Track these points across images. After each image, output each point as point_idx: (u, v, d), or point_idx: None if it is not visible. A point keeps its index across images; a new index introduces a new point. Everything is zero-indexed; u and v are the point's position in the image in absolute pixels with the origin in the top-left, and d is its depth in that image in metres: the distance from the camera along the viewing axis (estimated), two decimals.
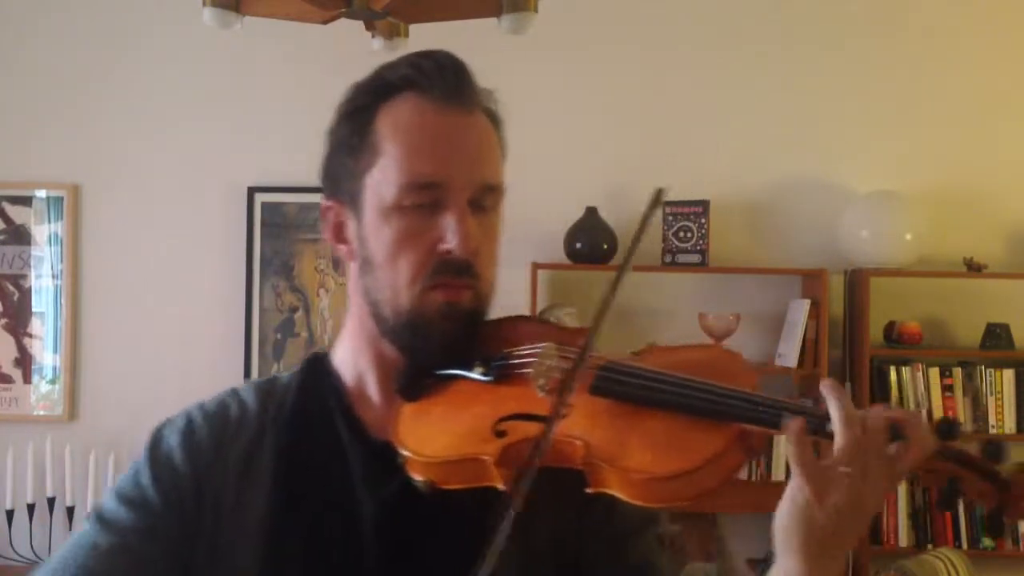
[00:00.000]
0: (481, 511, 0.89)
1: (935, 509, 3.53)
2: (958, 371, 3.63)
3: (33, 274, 3.96)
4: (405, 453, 0.94)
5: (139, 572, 0.95)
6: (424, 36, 2.69)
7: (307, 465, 1.01)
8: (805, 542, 0.83)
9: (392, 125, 0.99)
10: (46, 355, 3.96)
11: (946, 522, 3.60)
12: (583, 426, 0.89)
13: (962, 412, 3.62)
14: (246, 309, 3.89)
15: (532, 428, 0.89)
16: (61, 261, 3.94)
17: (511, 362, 0.99)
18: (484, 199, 1.00)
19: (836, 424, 0.82)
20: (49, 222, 3.95)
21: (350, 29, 2.49)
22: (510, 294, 4.28)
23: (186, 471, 1.00)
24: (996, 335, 3.62)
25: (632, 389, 0.92)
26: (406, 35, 2.56)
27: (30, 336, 3.96)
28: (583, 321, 3.63)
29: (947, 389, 3.62)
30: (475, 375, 0.99)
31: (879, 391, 3.61)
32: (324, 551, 0.97)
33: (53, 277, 3.95)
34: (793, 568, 0.84)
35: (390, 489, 0.97)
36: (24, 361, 3.96)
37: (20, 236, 3.96)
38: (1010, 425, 3.61)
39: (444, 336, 0.98)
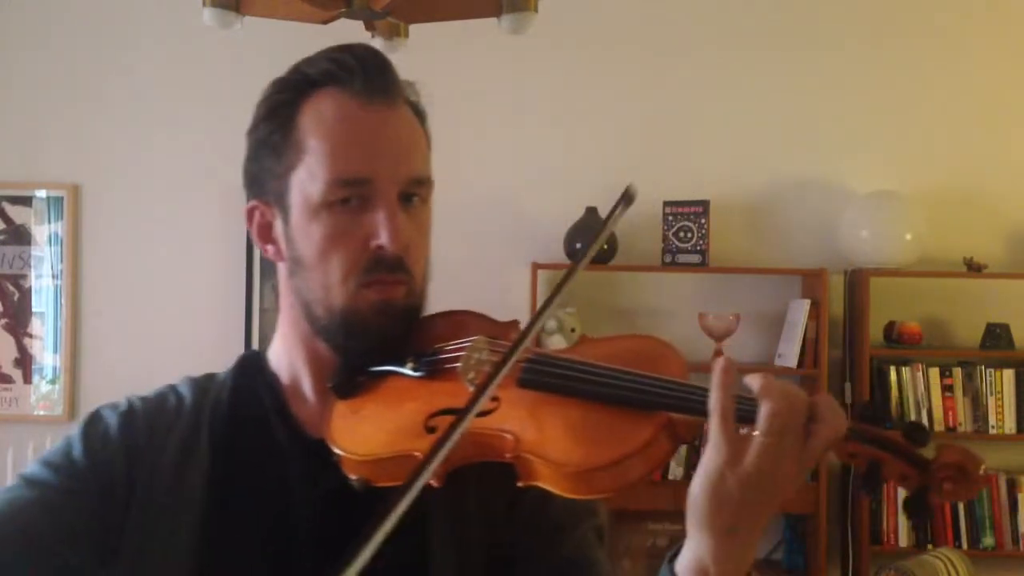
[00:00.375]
0: (416, 509, 0.89)
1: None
2: (958, 371, 3.63)
3: (33, 274, 3.96)
4: (338, 452, 0.93)
5: (56, 529, 0.93)
6: (424, 36, 2.70)
7: (242, 463, 1.00)
8: (715, 513, 0.81)
9: (315, 121, 0.97)
10: (46, 355, 3.96)
11: (946, 522, 3.60)
12: (512, 419, 0.89)
13: (962, 412, 3.62)
14: (246, 309, 3.89)
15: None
16: (61, 261, 3.94)
17: (442, 357, 0.99)
18: (413, 193, 0.99)
19: (760, 392, 0.81)
20: (49, 222, 3.95)
21: (350, 29, 2.49)
22: (510, 294, 4.30)
23: (119, 444, 0.99)
24: (996, 335, 3.62)
25: (559, 380, 0.91)
26: (406, 35, 2.56)
27: (30, 336, 3.97)
28: (584, 320, 3.63)
29: (947, 389, 3.62)
30: (407, 371, 0.99)
31: (879, 391, 3.62)
32: (258, 549, 0.97)
33: (53, 277, 3.95)
34: (703, 544, 0.82)
35: (326, 487, 0.96)
36: (24, 361, 3.96)
37: (20, 236, 3.96)
38: (1010, 425, 3.61)
39: (379, 334, 0.98)
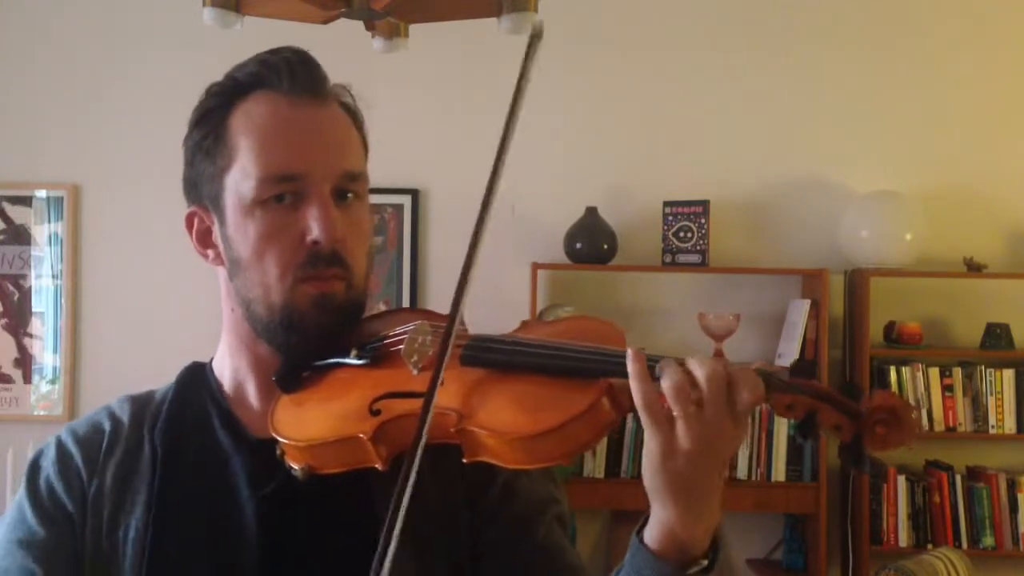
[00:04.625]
0: (361, 500, 0.92)
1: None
2: (958, 371, 3.63)
3: (33, 274, 3.96)
4: (283, 440, 0.94)
5: None
6: (424, 36, 2.69)
7: (186, 472, 1.00)
8: (668, 487, 0.83)
9: (245, 122, 0.99)
10: (46, 355, 3.96)
11: (946, 522, 3.60)
12: (455, 396, 0.90)
13: (962, 412, 3.62)
14: None
15: (407, 405, 0.91)
16: (61, 261, 3.94)
17: (386, 342, 1.00)
18: (347, 188, 0.99)
19: (658, 372, 0.83)
20: (49, 222, 3.95)
21: (350, 29, 2.49)
22: (510, 294, 4.27)
23: (64, 499, 1.00)
24: (996, 335, 3.62)
25: (499, 356, 0.93)
26: (406, 35, 2.56)
27: (30, 336, 3.97)
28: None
29: (947, 389, 3.62)
30: (351, 360, 1.00)
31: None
32: (205, 554, 0.97)
33: (53, 277, 3.95)
34: (665, 515, 0.84)
35: (272, 485, 0.97)
36: (24, 361, 3.96)
37: (20, 236, 3.96)
38: (1010, 425, 3.61)
39: (320, 329, 0.98)
